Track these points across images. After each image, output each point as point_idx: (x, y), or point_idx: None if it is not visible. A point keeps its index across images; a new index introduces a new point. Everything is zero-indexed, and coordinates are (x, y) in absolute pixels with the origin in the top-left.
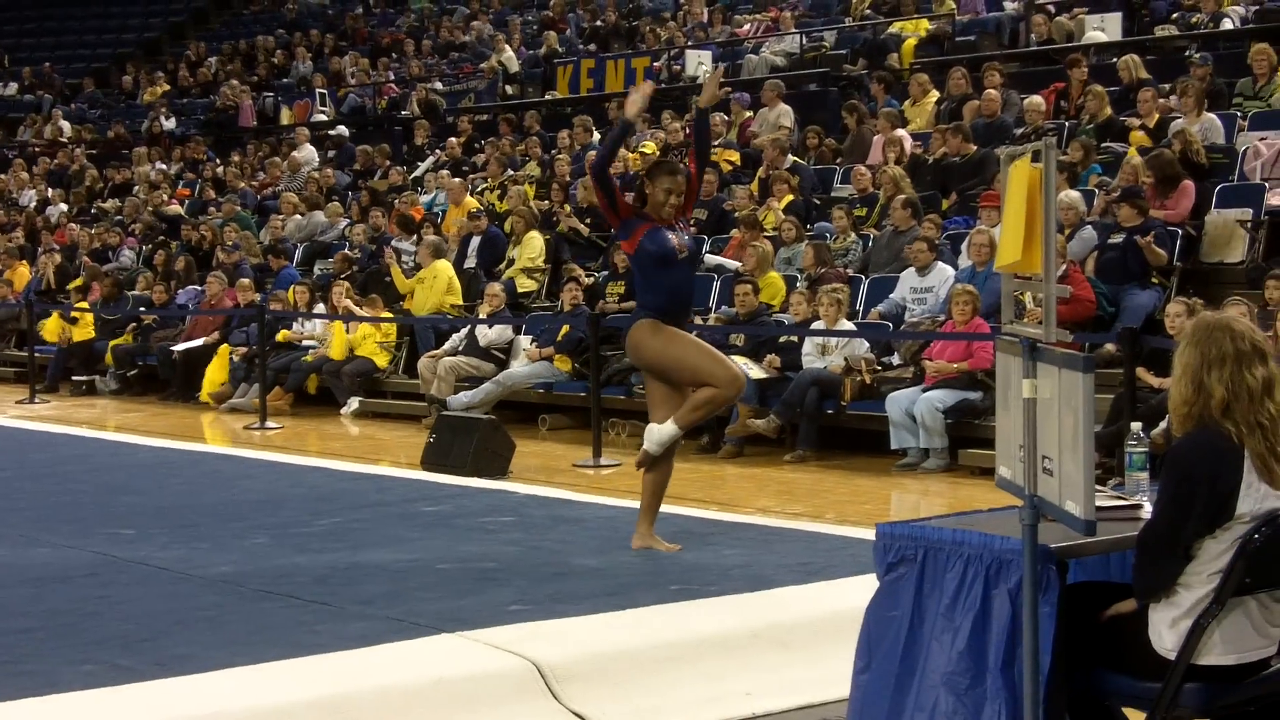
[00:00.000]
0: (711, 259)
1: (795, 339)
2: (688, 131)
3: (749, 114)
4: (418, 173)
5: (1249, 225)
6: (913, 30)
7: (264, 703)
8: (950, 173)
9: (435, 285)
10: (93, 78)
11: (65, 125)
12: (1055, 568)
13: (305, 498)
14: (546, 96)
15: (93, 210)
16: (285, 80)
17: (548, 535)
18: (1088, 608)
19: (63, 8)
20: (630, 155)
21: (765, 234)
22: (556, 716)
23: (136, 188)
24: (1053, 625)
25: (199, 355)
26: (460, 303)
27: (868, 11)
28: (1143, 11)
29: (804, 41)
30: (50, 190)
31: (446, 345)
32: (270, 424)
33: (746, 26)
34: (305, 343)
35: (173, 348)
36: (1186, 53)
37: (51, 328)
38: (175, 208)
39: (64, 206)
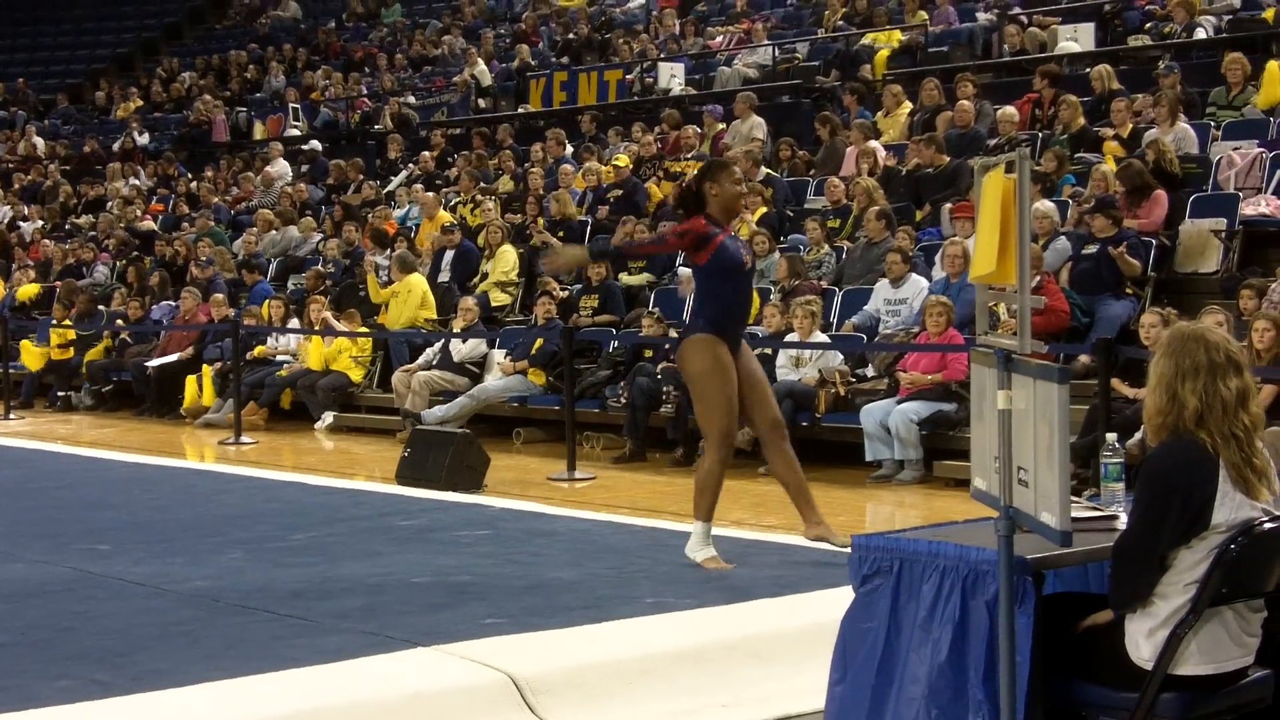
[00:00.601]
0: (685, 272)
1: (769, 351)
2: (660, 145)
3: (721, 126)
4: (390, 187)
5: (1223, 235)
6: (885, 41)
7: (240, 717)
8: (924, 184)
9: (409, 300)
10: (66, 93)
11: (39, 141)
12: (1031, 579)
13: (280, 512)
14: (519, 110)
15: (66, 226)
16: (258, 95)
17: (522, 548)
18: (1064, 619)
19: (36, 24)
20: (603, 169)
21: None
22: None
23: (110, 203)
24: (1030, 636)
25: (173, 371)
26: (434, 317)
27: (840, 23)
28: (1115, 22)
29: (776, 53)
30: (24, 206)
31: (420, 359)
32: (245, 439)
33: (719, 39)
34: (280, 357)
35: (147, 363)
36: (1159, 63)
37: (34, 354)
38: (149, 223)
39: (38, 223)
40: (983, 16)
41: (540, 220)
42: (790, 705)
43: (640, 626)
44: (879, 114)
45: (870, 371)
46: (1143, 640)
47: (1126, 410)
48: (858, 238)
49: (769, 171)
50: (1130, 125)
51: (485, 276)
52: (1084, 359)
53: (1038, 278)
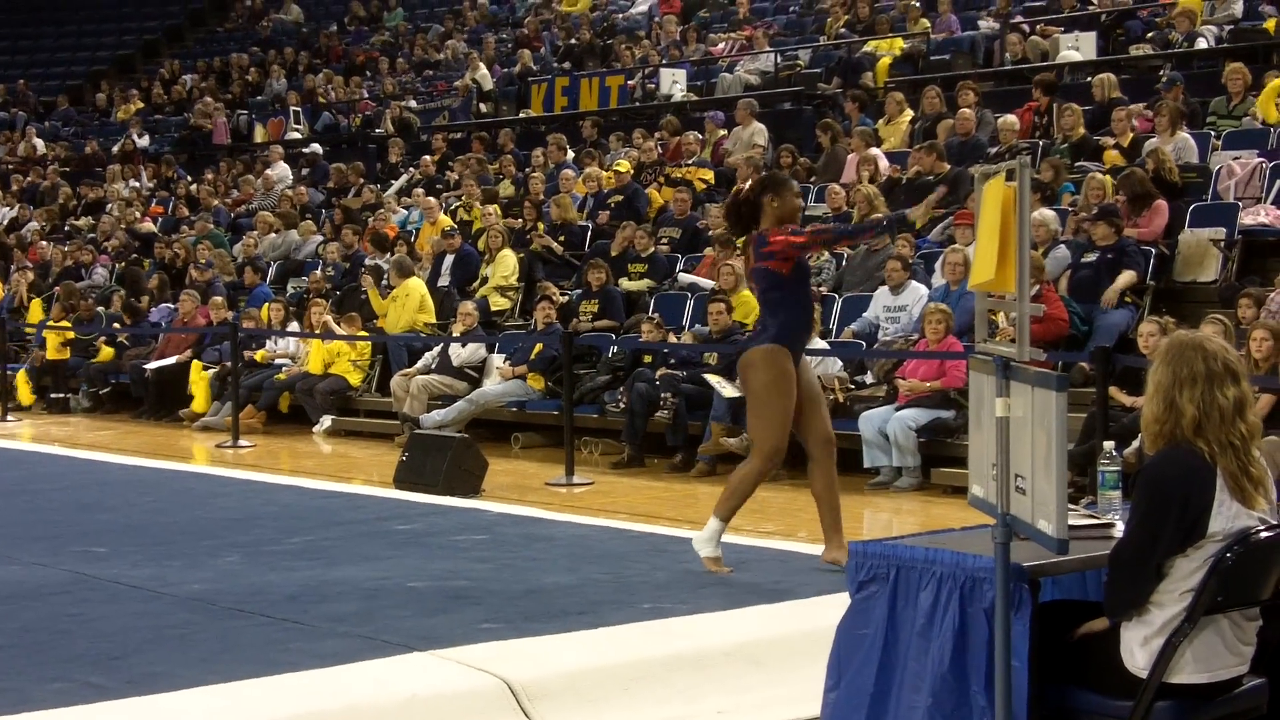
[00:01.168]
0: (685, 277)
1: None
2: (661, 151)
3: (723, 132)
4: (389, 192)
5: (1222, 244)
6: (887, 49)
7: None
8: (924, 192)
9: (408, 304)
10: (67, 95)
11: (39, 143)
12: (1028, 586)
13: (277, 516)
14: (520, 115)
15: (66, 228)
16: (259, 98)
17: (520, 553)
18: (1060, 626)
19: (37, 25)
20: (604, 174)
21: (739, 252)
22: None
23: (110, 205)
24: (1027, 643)
25: (172, 373)
26: (433, 321)
27: (842, 30)
28: (1117, 31)
29: (778, 60)
30: (25, 208)
31: (419, 363)
32: (243, 442)
33: (721, 45)
34: (278, 361)
35: (145, 365)
36: (1160, 72)
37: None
38: (149, 225)
39: (37, 224)
40: (985, 25)
41: (541, 225)
42: (786, 711)
43: (637, 632)
44: (880, 121)
45: (869, 378)
46: (1138, 648)
47: (1124, 418)
48: (858, 245)
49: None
50: (1130, 134)
51: (485, 281)
52: (1082, 367)
53: (1037, 286)
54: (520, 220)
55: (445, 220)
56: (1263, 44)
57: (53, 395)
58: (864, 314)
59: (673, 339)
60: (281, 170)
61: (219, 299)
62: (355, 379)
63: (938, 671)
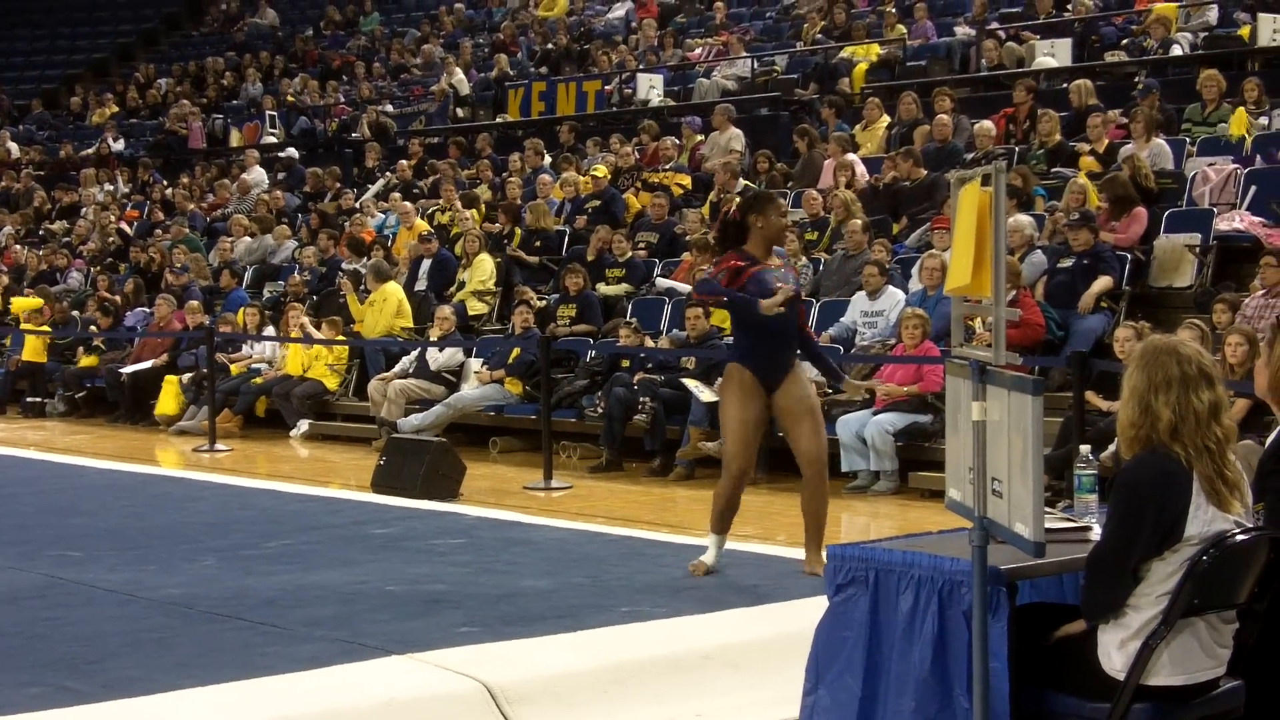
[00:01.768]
0: (663, 282)
1: None
2: (638, 156)
3: (700, 138)
4: (365, 197)
5: (1197, 250)
6: (864, 55)
7: None
8: (901, 197)
9: (385, 308)
10: (41, 99)
11: (13, 146)
12: (1005, 589)
13: (254, 520)
14: (498, 119)
15: (41, 232)
16: (235, 102)
17: (498, 557)
18: (1037, 629)
19: (11, 28)
20: (582, 179)
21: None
22: None
23: (85, 210)
24: (1005, 646)
25: (147, 377)
26: (411, 325)
27: (819, 36)
28: (1093, 38)
29: (755, 66)
30: None
31: (396, 368)
32: (219, 446)
33: (698, 50)
34: (255, 365)
35: (121, 370)
36: (1136, 79)
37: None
38: (124, 228)
39: (11, 229)
40: (961, 31)
41: (518, 231)
42: (764, 714)
43: (615, 635)
44: (857, 127)
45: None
46: (1115, 651)
47: (1100, 423)
48: (835, 250)
49: (746, 183)
50: (1106, 140)
51: (462, 285)
52: (1059, 372)
53: (1013, 291)
54: (497, 225)
55: (422, 225)
56: (1237, 51)
57: (28, 399)
58: (841, 319)
59: (650, 344)
60: (257, 175)
61: (195, 303)
62: (332, 383)
63: (920, 675)
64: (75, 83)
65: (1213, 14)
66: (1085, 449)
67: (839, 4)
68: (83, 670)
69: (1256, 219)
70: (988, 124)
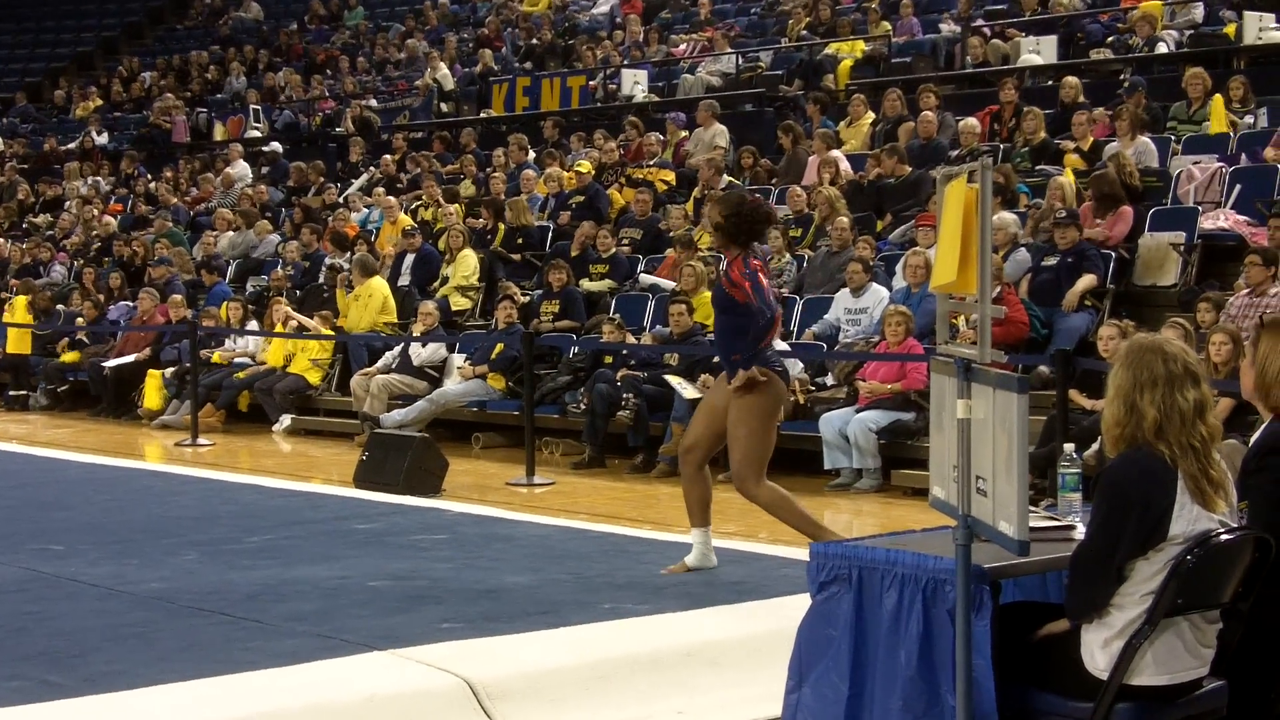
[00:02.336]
0: (646, 278)
1: None
2: (622, 152)
3: (684, 134)
4: (349, 191)
5: (1182, 248)
6: (848, 51)
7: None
8: (885, 194)
9: (370, 304)
10: (25, 92)
11: None
12: (989, 588)
13: (237, 514)
14: (482, 114)
15: (24, 225)
16: (219, 96)
17: (480, 553)
18: (1021, 628)
19: None
20: (566, 174)
21: (700, 254)
22: None
23: (68, 203)
24: (989, 644)
25: (130, 371)
26: (394, 320)
27: (804, 32)
28: (1078, 35)
29: (740, 62)
30: None
31: (379, 363)
32: (202, 441)
33: (682, 46)
34: (237, 360)
35: (104, 364)
36: (1121, 76)
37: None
38: (110, 221)
39: None
40: (946, 28)
41: (501, 226)
42: (746, 711)
43: (597, 632)
44: (841, 124)
45: (829, 380)
46: (1098, 650)
47: (1084, 421)
48: (819, 246)
49: (731, 180)
50: (1091, 138)
51: (445, 280)
52: (1042, 370)
53: (998, 288)
54: (481, 220)
55: (405, 220)
56: (1222, 49)
57: (11, 393)
58: (825, 316)
59: (631, 339)
60: (241, 169)
61: (178, 297)
62: (315, 378)
63: (906, 674)
64: (59, 76)
65: (1198, 11)
66: (1069, 447)
67: (824, 0)
68: (64, 664)
69: (1241, 217)
70: (973, 121)
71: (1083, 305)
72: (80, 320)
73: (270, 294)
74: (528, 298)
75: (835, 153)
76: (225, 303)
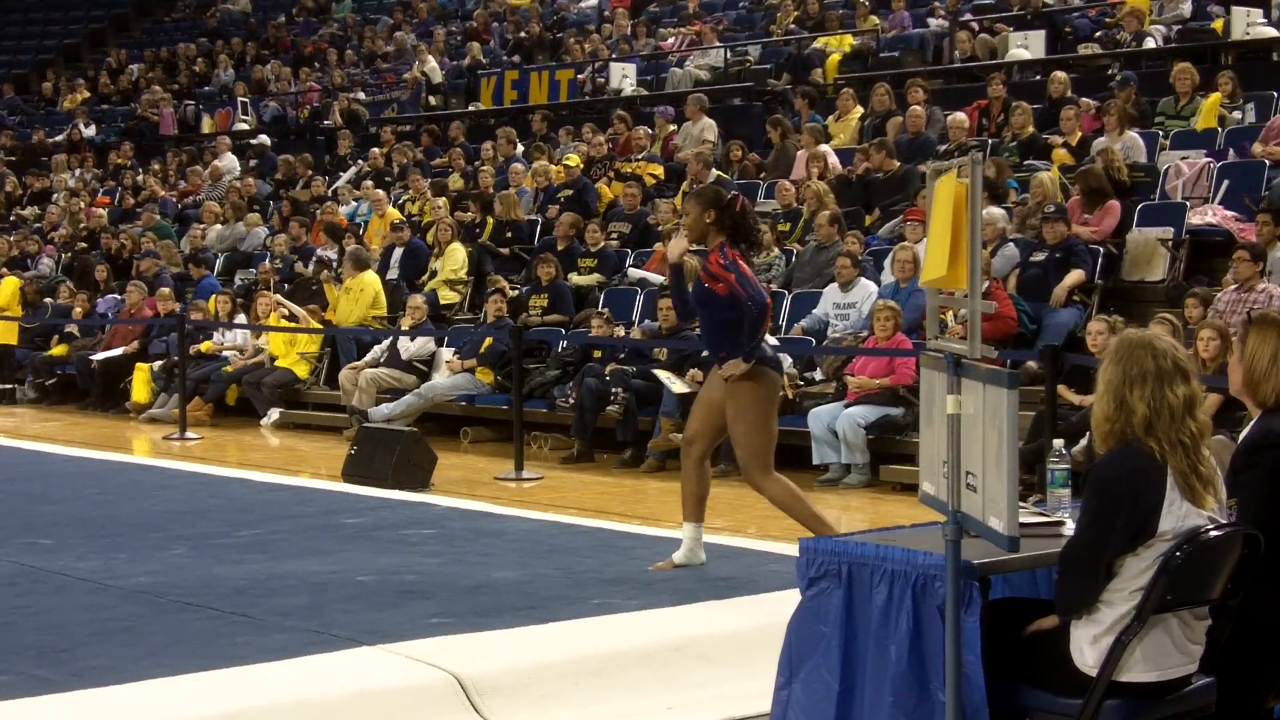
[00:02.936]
0: (635, 273)
1: None
2: (611, 145)
3: (672, 127)
4: (337, 184)
5: (1170, 244)
6: (837, 46)
7: (182, 715)
8: (874, 188)
9: (361, 298)
10: (12, 84)
11: None
12: (979, 584)
13: (225, 508)
14: (470, 108)
15: (11, 218)
16: (207, 88)
17: (469, 548)
18: (1010, 624)
19: None
20: (554, 168)
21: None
22: None
23: (56, 195)
24: (979, 640)
25: (118, 364)
26: (384, 315)
27: (792, 26)
28: (1066, 30)
29: (728, 56)
30: None
31: (368, 357)
32: (190, 434)
33: (671, 40)
34: (225, 353)
35: (92, 357)
36: (1109, 71)
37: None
38: (99, 214)
39: None
40: (934, 23)
41: (490, 220)
42: (736, 708)
43: (586, 627)
44: (830, 118)
45: (818, 375)
46: (1088, 646)
47: (1073, 417)
48: (807, 241)
49: (719, 174)
50: (1079, 133)
51: (434, 274)
52: (1031, 365)
53: (986, 283)
54: (469, 214)
55: (394, 213)
56: (1210, 44)
57: None
58: (813, 311)
59: (620, 333)
60: (229, 161)
61: (166, 290)
62: (303, 371)
63: (896, 670)
64: (47, 68)
65: (1186, 7)
66: (1058, 443)
67: None
68: (52, 658)
69: (1229, 213)
70: (961, 116)
71: (1071, 300)
72: (76, 312)
73: (257, 288)
74: (516, 292)
75: (824, 147)
76: (213, 296)
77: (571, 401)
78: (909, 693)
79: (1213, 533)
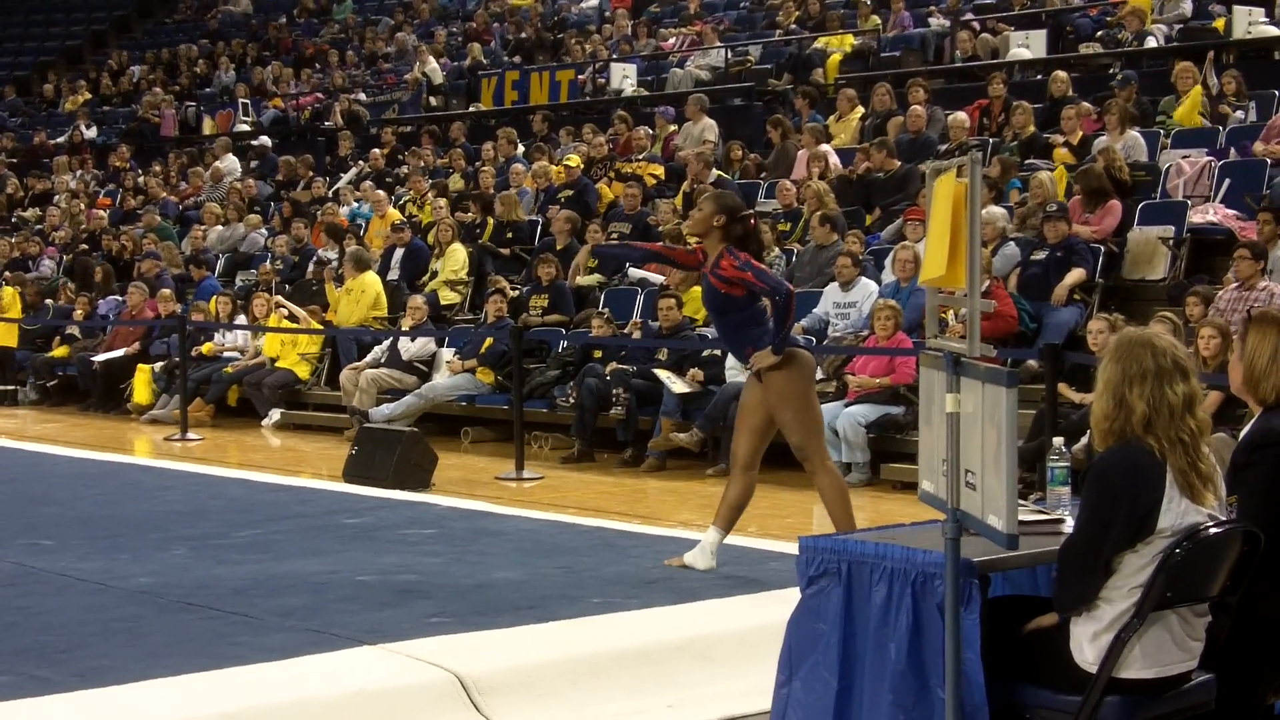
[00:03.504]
0: (635, 272)
1: (718, 353)
2: (611, 146)
3: (673, 128)
4: (339, 185)
5: (1171, 243)
6: (838, 45)
7: (183, 714)
8: (874, 188)
9: (363, 299)
10: (14, 86)
11: None
12: (978, 581)
13: (225, 509)
14: (470, 108)
15: (13, 220)
16: (208, 90)
17: (469, 548)
18: (1009, 621)
19: None
20: (554, 169)
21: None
22: None
23: (57, 197)
24: (978, 638)
25: (119, 366)
26: (385, 316)
27: (793, 26)
28: (1067, 29)
29: (729, 56)
30: None
31: (369, 357)
32: (191, 435)
33: (671, 40)
34: (226, 354)
35: (93, 358)
36: (1110, 71)
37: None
38: (100, 215)
39: None
40: (935, 22)
41: (490, 220)
42: (736, 706)
43: (587, 627)
44: (831, 118)
45: (819, 374)
46: (1087, 644)
47: (1073, 415)
48: (808, 241)
49: (720, 174)
50: (1080, 132)
51: (435, 275)
52: (1031, 364)
53: (986, 283)
54: (470, 214)
55: (394, 214)
56: (1212, 43)
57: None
58: (814, 310)
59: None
60: (230, 163)
61: (167, 292)
62: (304, 372)
63: (895, 668)
64: (48, 70)
65: (1187, 6)
66: (1058, 441)
67: None
68: (53, 659)
69: (1230, 211)
70: (962, 115)
71: (1071, 299)
72: (78, 314)
73: (258, 288)
74: (517, 292)
75: (824, 147)
76: (214, 297)
77: (572, 401)
78: (908, 691)
79: (1212, 530)
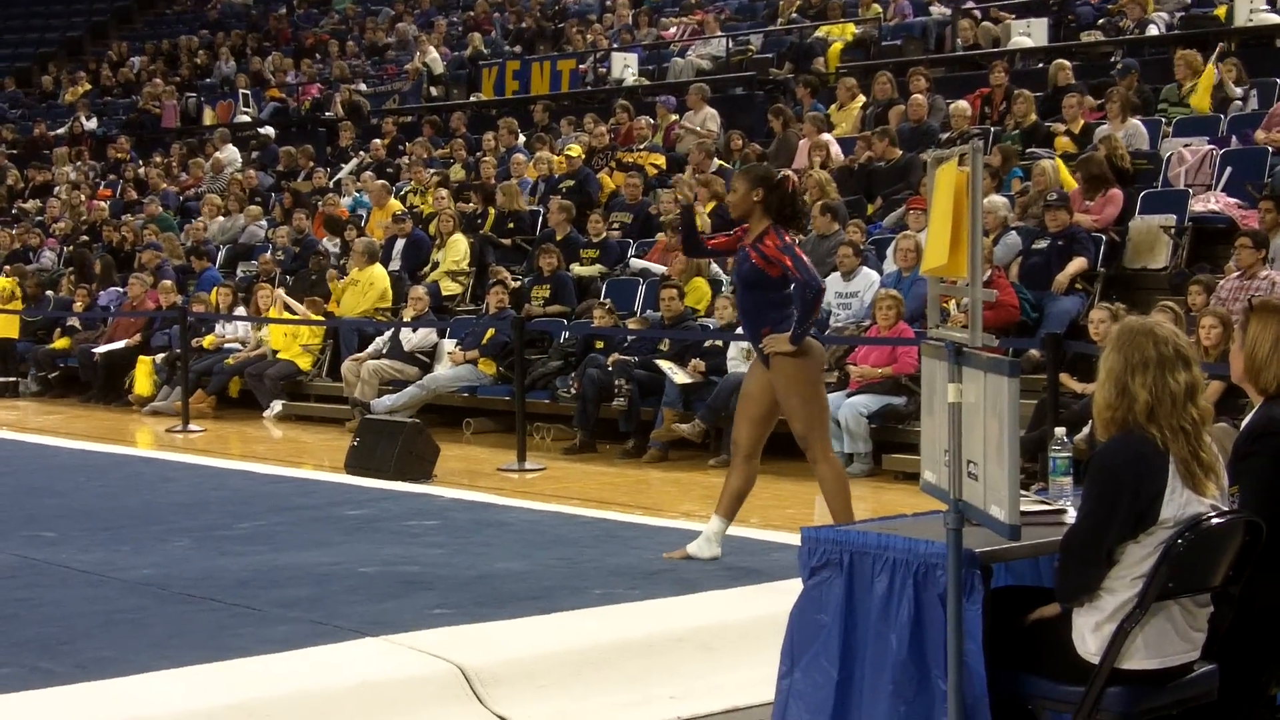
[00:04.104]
0: (637, 263)
1: (720, 343)
2: (612, 135)
3: (674, 117)
4: (339, 175)
5: (1172, 231)
6: (839, 34)
7: (185, 706)
8: (876, 177)
9: (370, 292)
10: (14, 77)
11: None
12: (980, 572)
13: (227, 500)
14: (471, 98)
15: (13, 211)
16: (208, 80)
17: (472, 539)
18: (1012, 612)
19: None
20: (556, 158)
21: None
22: None
23: (58, 189)
24: (980, 628)
25: (120, 357)
26: (389, 308)
27: (794, 15)
28: (1069, 17)
29: (730, 45)
30: None
31: (370, 348)
32: (193, 427)
33: (672, 29)
34: (227, 345)
35: (94, 350)
36: (1112, 58)
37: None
38: (100, 206)
39: None
40: (936, 10)
41: (491, 211)
42: (738, 697)
43: (589, 618)
44: (832, 107)
45: None
46: (1089, 634)
47: (1075, 405)
48: (809, 230)
49: (721, 163)
50: (1082, 121)
51: (436, 265)
52: (1033, 353)
53: (988, 272)
54: (471, 205)
55: (395, 204)
56: (1213, 31)
57: (0, 379)
58: None
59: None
60: (231, 153)
61: (168, 283)
62: (305, 363)
63: (897, 658)
64: (48, 61)
65: None
66: (1060, 431)
67: None
68: (56, 651)
69: (1232, 200)
70: (963, 104)
71: (1073, 288)
72: (78, 306)
73: (259, 279)
74: (518, 282)
75: (826, 136)
76: (215, 288)
77: (574, 392)
78: (909, 681)
79: (1214, 520)
